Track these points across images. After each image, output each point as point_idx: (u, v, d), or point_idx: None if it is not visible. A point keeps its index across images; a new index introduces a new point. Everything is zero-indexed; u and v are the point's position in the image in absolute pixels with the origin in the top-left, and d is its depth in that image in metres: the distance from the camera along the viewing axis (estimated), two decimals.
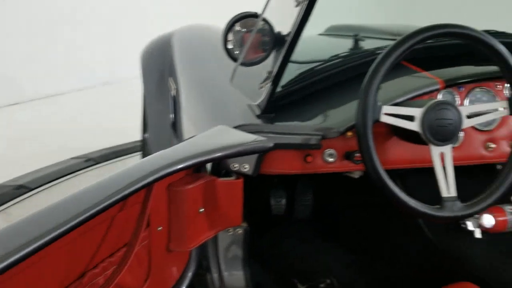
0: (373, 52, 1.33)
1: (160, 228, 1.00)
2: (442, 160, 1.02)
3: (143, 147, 2.71)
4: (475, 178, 1.40)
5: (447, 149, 1.02)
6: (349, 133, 1.12)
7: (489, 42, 1.02)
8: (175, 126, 1.72)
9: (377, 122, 0.99)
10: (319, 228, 1.74)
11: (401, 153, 1.17)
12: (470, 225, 1.38)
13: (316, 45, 1.79)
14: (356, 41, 1.53)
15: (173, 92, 1.79)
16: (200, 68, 1.76)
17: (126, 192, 0.78)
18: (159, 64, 2.15)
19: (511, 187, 1.05)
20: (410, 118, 1.01)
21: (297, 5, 0.97)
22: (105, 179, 0.82)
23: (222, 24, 1.32)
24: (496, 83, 1.23)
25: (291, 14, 1.00)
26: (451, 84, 1.19)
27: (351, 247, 1.64)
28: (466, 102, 1.21)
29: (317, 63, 1.32)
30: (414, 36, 0.99)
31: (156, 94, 2.20)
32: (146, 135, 2.56)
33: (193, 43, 2.03)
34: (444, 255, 1.38)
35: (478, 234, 1.38)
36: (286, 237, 1.73)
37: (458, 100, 1.21)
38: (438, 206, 1.01)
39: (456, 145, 1.19)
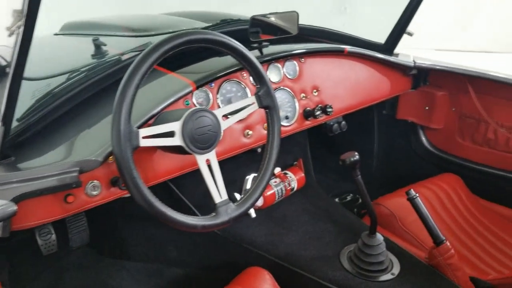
0: (118, 60, 1.23)
1: None
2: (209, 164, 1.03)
3: None
4: (241, 163, 1.50)
5: (211, 155, 1.03)
6: (111, 158, 1.02)
7: (244, 53, 1.05)
8: None
9: (137, 148, 0.92)
10: (103, 249, 1.61)
11: (169, 164, 1.13)
12: None
13: (57, 51, 1.55)
14: (97, 46, 1.39)
15: None
16: None
17: None
18: None
19: (273, 170, 1.12)
20: (170, 134, 0.97)
21: (10, 35, 0.79)
22: None
23: None
24: (242, 73, 1.30)
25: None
26: (202, 83, 1.20)
27: (140, 259, 1.57)
28: (219, 96, 1.24)
29: (56, 84, 1.14)
30: (151, 54, 0.91)
31: None
32: None
33: None
34: (233, 244, 1.43)
35: (253, 214, 1.49)
36: (65, 270, 1.54)
37: (211, 96, 1.23)
38: (213, 214, 1.00)
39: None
